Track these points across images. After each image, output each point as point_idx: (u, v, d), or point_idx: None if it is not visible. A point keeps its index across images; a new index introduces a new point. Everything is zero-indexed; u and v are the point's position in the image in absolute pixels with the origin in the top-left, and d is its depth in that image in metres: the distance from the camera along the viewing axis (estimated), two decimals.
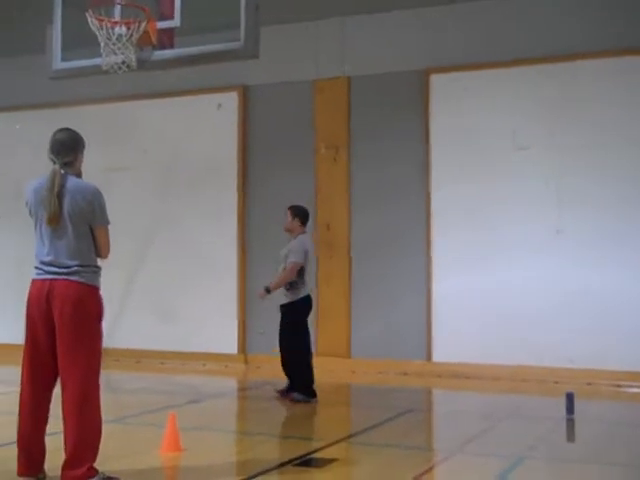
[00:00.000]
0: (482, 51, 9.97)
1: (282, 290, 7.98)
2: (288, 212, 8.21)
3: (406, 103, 10.32)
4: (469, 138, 9.96)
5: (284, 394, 8.05)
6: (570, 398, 7.07)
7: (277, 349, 8.10)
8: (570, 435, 6.69)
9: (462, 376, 9.60)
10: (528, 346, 9.42)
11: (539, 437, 6.25)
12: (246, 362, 10.80)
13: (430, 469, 5.38)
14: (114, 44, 7.95)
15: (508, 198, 9.74)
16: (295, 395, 7.91)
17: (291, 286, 7.94)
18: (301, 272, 7.97)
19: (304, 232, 8.20)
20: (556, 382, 9.11)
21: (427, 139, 10.14)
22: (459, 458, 5.57)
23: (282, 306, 8.04)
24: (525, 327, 9.49)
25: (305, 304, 8.04)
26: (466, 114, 10.00)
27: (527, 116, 9.74)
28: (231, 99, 11.15)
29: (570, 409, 7.03)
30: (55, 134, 4.78)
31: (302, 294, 7.99)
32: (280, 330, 8.05)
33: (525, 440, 6.11)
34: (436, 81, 10.16)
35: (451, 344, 9.82)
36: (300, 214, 8.21)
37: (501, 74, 9.89)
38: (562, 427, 6.80)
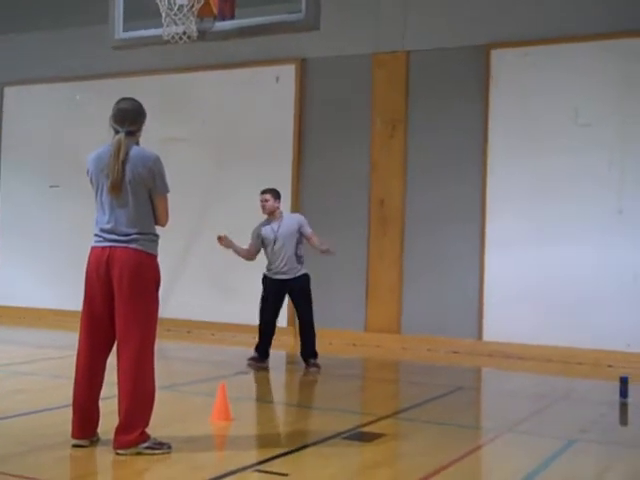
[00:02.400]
0: (544, 26, 9.77)
1: (292, 263, 8.23)
2: (269, 195, 8.36)
3: (466, 79, 10.19)
4: (529, 114, 9.79)
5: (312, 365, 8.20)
6: (624, 382, 6.97)
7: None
8: (623, 419, 6.59)
9: (513, 356, 9.51)
10: (583, 328, 9.29)
11: (591, 420, 6.17)
12: (295, 335, 10.83)
13: (478, 447, 5.35)
14: (175, 14, 8.00)
15: (568, 176, 9.55)
16: (312, 360, 8.18)
17: (301, 259, 8.32)
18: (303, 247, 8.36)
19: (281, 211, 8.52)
20: (610, 365, 8.97)
21: (486, 115, 10.00)
22: (508, 438, 5.53)
23: (299, 277, 8.26)
24: (580, 308, 9.35)
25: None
26: (527, 90, 9.83)
27: (590, 92, 9.54)
28: (289, 72, 11.12)
29: (624, 393, 6.93)
30: (119, 103, 4.81)
31: (306, 269, 8.38)
32: (305, 298, 8.29)
33: (577, 423, 6.04)
34: (497, 56, 9.99)
35: (503, 323, 9.73)
36: (279, 196, 8.48)
37: (564, 49, 9.68)
38: (615, 411, 6.70)
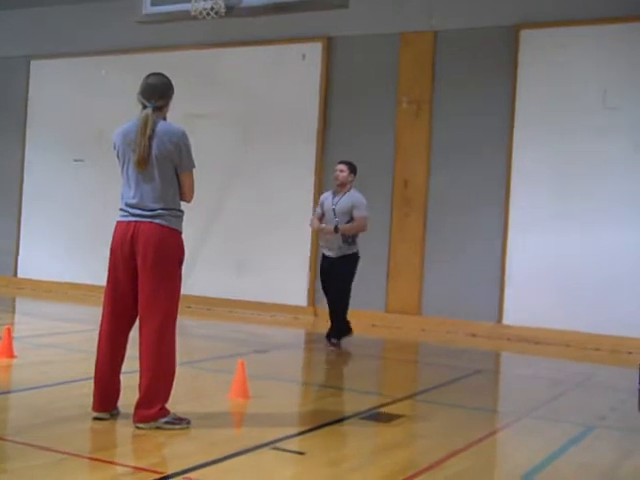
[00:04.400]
0: (574, 7, 9.65)
1: (337, 243, 8.14)
2: (345, 167, 8.31)
3: (493, 59, 10.10)
4: (557, 96, 9.70)
5: (333, 344, 8.27)
6: None
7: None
8: None
9: (532, 341, 9.49)
10: (603, 314, 9.25)
11: (610, 407, 6.16)
12: (315, 315, 10.88)
13: (496, 431, 5.36)
14: None
15: (594, 158, 9.48)
16: (334, 340, 8.24)
17: (353, 240, 8.17)
18: None
19: (353, 187, 8.37)
20: (630, 352, 8.93)
21: (513, 97, 9.92)
22: (526, 422, 5.53)
23: (341, 257, 8.17)
24: (601, 294, 9.31)
25: (358, 257, 8.28)
26: (556, 71, 9.73)
27: (618, 75, 9.44)
28: (315, 50, 11.08)
29: None
30: (147, 78, 4.81)
31: (357, 248, 8.25)
32: (339, 279, 8.20)
33: (595, 409, 6.03)
34: (526, 37, 9.90)
35: (523, 308, 9.71)
36: (355, 171, 8.39)
37: (593, 31, 9.57)
38: (634, 398, 6.67)
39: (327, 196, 8.45)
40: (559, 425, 5.47)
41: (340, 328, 8.31)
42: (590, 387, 7.19)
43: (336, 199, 8.27)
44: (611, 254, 9.31)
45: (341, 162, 8.40)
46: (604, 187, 9.41)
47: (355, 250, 8.23)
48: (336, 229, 8.10)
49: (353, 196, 8.26)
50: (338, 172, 8.30)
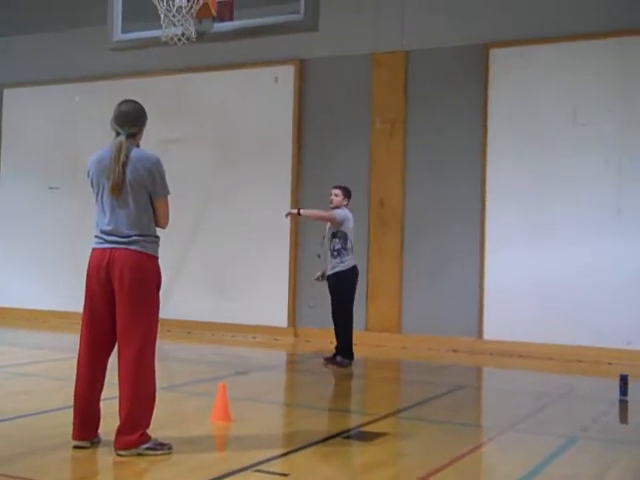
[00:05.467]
0: (543, 25, 9.79)
1: (329, 258, 8.37)
2: (339, 191, 8.52)
3: (465, 78, 10.21)
4: (528, 114, 9.82)
5: (330, 361, 8.40)
6: (624, 380, 6.97)
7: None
8: (623, 417, 6.61)
9: (514, 355, 9.53)
10: (583, 326, 9.31)
11: (592, 418, 6.18)
12: (296, 335, 10.87)
13: (480, 446, 5.36)
14: (174, 16, 8.01)
15: (567, 175, 9.59)
16: (339, 358, 8.34)
17: (339, 253, 8.33)
18: (344, 240, 8.36)
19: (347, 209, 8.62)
20: (610, 363, 8.99)
21: (485, 115, 10.02)
22: (510, 436, 5.54)
23: (334, 275, 8.37)
24: (580, 307, 9.37)
25: (353, 273, 8.41)
26: (526, 89, 9.85)
27: (588, 92, 9.56)
28: (288, 72, 11.14)
29: (624, 391, 6.94)
30: (120, 105, 4.81)
31: (350, 264, 8.38)
32: (333, 299, 8.42)
33: (578, 420, 6.05)
34: (496, 55, 10.02)
35: (503, 322, 9.75)
36: (349, 195, 8.59)
37: (562, 49, 9.70)
38: (615, 409, 6.71)
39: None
40: (542, 438, 5.48)
41: (342, 348, 8.39)
42: (572, 399, 7.22)
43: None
44: (587, 267, 9.39)
45: (336, 187, 8.60)
46: (577, 202, 9.52)
47: (347, 267, 8.36)
48: (299, 211, 8.58)
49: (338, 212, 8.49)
50: (333, 196, 8.51)
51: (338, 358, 8.37)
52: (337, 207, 8.47)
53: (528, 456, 4.91)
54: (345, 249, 8.37)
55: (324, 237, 8.55)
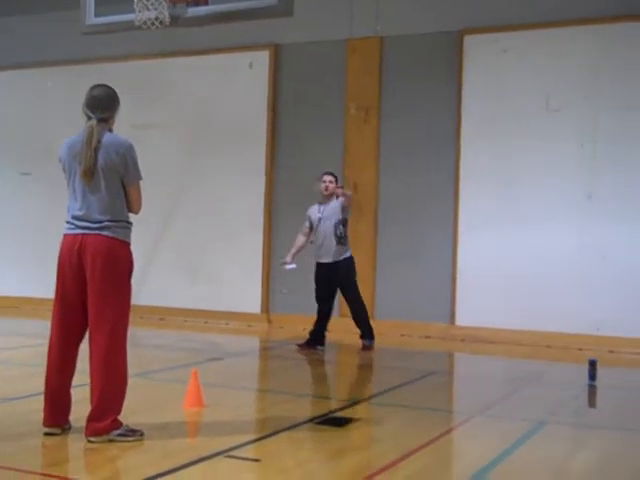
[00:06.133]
0: (517, 12, 9.82)
1: (332, 245, 8.42)
2: (332, 178, 8.60)
3: (439, 64, 10.22)
4: (502, 100, 9.86)
5: (304, 347, 8.59)
6: (593, 365, 7.06)
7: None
8: (592, 401, 6.70)
9: (485, 340, 9.61)
10: (553, 312, 9.40)
11: (561, 403, 6.26)
12: (269, 322, 10.88)
13: (450, 430, 5.41)
14: (147, 0, 7.95)
15: (539, 161, 9.65)
16: (366, 342, 8.64)
17: (346, 239, 8.51)
18: (347, 228, 8.52)
19: None
20: (580, 349, 9.09)
21: (459, 101, 10.05)
22: (480, 420, 5.60)
23: (339, 263, 8.46)
24: (551, 293, 9.46)
25: (354, 260, 8.66)
26: (499, 75, 9.89)
27: (561, 78, 9.62)
28: (263, 58, 11.10)
29: (592, 376, 7.03)
30: (92, 89, 4.78)
31: (350, 251, 8.61)
32: (349, 289, 8.60)
33: (546, 405, 6.12)
34: (470, 42, 10.04)
35: (475, 308, 9.82)
36: (337, 180, 8.73)
37: (535, 35, 9.75)
38: (584, 393, 6.80)
39: (313, 209, 8.68)
40: (512, 422, 5.54)
41: (369, 330, 8.66)
42: (542, 384, 7.30)
43: (322, 207, 8.55)
44: (560, 253, 9.48)
45: (326, 173, 8.63)
46: (549, 188, 9.59)
47: (349, 254, 8.52)
48: (342, 189, 8.54)
49: (331, 205, 8.55)
50: (327, 183, 8.53)
51: (366, 342, 8.59)
52: (332, 194, 8.52)
53: (498, 440, 4.97)
54: (347, 236, 8.55)
55: (318, 221, 8.48)
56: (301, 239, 8.72)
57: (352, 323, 8.82)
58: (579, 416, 6.01)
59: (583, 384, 6.99)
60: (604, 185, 9.36)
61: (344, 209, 8.52)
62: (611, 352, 8.93)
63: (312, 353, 8.51)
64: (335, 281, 8.53)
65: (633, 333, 9.04)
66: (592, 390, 6.88)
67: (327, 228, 8.42)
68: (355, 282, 8.62)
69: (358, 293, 8.64)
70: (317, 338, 8.64)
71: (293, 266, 8.67)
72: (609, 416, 5.98)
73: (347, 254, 8.51)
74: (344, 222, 8.48)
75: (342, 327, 10.20)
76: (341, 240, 8.41)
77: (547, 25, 9.66)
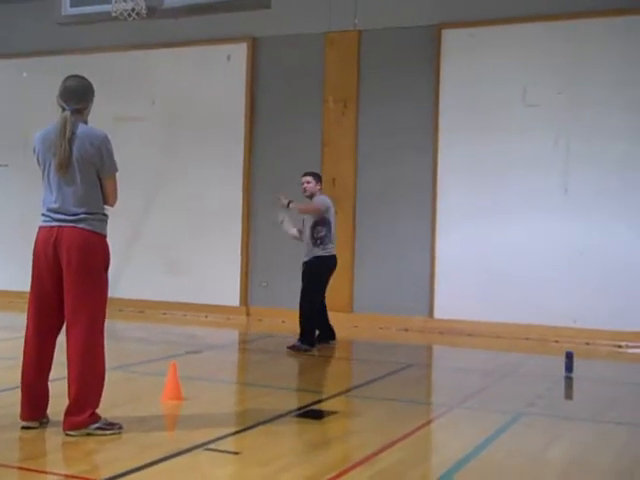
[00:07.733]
0: (494, 7, 9.84)
1: (309, 246, 8.24)
2: (310, 177, 8.40)
3: (417, 58, 10.23)
4: (479, 94, 9.89)
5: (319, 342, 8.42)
6: (570, 357, 7.13)
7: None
8: (568, 393, 6.76)
9: (463, 333, 9.65)
10: (530, 305, 9.46)
11: (538, 395, 6.31)
12: (248, 314, 10.87)
13: (429, 422, 5.44)
14: None
15: (516, 155, 9.69)
16: (297, 342, 8.18)
17: (321, 242, 8.22)
18: (328, 228, 8.26)
19: (322, 193, 8.52)
20: (557, 341, 9.16)
21: (437, 95, 10.06)
22: (458, 412, 5.63)
23: (311, 259, 8.26)
24: (528, 286, 9.51)
25: (331, 261, 8.34)
26: (477, 70, 9.92)
27: (538, 73, 9.66)
28: (240, 50, 11.05)
29: (569, 368, 7.09)
30: (66, 80, 4.75)
31: (332, 252, 8.31)
32: (303, 279, 8.30)
33: (524, 397, 6.17)
34: (448, 36, 10.05)
35: (453, 301, 9.85)
36: (321, 179, 8.54)
37: (513, 30, 9.77)
38: (561, 385, 6.86)
39: None
40: (490, 414, 5.58)
41: (302, 332, 8.21)
42: (519, 376, 7.35)
43: None
44: (535, 246, 9.53)
45: (306, 174, 8.46)
46: (525, 182, 9.63)
47: (328, 254, 8.26)
48: (288, 204, 8.19)
49: (318, 199, 8.38)
50: (305, 184, 8.37)
51: (297, 343, 8.16)
52: (312, 195, 8.35)
53: (476, 432, 5.01)
54: (329, 237, 8.26)
55: (303, 222, 8.38)
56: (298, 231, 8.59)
57: (331, 316, 8.75)
58: (556, 408, 6.06)
59: (560, 376, 7.06)
60: (580, 180, 9.42)
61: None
62: (587, 344, 9.02)
63: (325, 348, 8.42)
64: (303, 279, 8.37)
65: (609, 325, 9.11)
66: (569, 382, 6.95)
67: (306, 229, 8.34)
68: (312, 284, 8.24)
69: (308, 295, 8.22)
70: (323, 333, 8.51)
71: (294, 231, 8.48)
72: (585, 408, 6.03)
73: (319, 253, 8.23)
74: (321, 223, 8.25)
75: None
76: (317, 241, 8.23)
77: (524, 20, 9.69)
